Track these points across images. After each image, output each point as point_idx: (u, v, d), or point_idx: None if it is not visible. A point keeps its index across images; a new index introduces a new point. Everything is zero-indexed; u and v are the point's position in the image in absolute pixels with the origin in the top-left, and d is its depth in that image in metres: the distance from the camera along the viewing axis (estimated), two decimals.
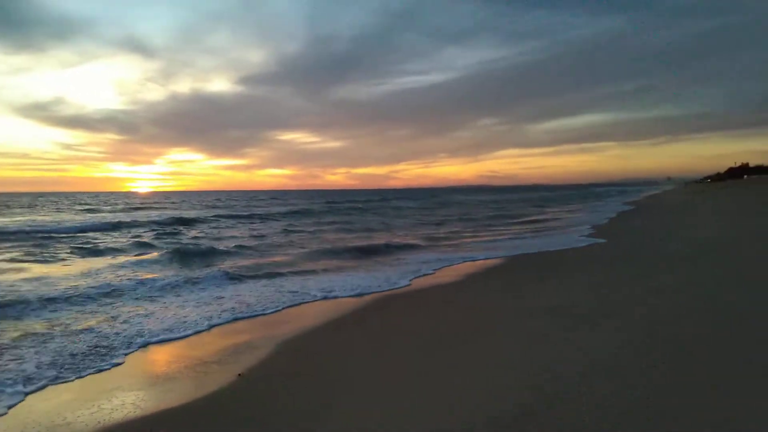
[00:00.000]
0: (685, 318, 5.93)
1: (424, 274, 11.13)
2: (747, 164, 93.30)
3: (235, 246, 16.86)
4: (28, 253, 15.13)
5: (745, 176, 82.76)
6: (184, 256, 14.34)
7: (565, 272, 10.25)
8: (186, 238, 20.83)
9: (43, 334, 6.61)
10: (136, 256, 14.96)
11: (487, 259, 13.27)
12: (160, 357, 5.90)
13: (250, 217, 34.17)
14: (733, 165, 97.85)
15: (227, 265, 12.90)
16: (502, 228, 24.81)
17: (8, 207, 50.00)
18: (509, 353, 5.22)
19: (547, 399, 3.90)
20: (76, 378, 5.13)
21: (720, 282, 7.83)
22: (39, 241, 18.50)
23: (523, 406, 3.82)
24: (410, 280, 10.38)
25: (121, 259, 14.35)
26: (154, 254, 14.71)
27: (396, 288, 9.69)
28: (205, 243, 18.27)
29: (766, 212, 18.83)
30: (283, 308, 8.23)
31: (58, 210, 44.49)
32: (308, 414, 4.05)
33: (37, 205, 54.20)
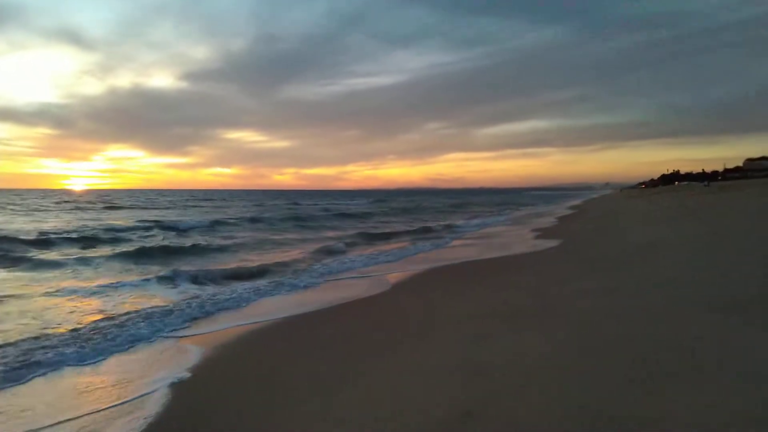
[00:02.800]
0: (621, 317, 6.14)
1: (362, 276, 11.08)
2: (678, 171, 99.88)
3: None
4: None
5: (676, 182, 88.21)
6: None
7: (507, 274, 10.47)
8: None
9: None
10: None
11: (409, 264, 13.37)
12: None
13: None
14: (665, 172, 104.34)
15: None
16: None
17: None
18: (449, 355, 5.24)
19: (490, 400, 3.93)
20: None
21: (655, 282, 8.18)
22: None
23: (464, 408, 3.82)
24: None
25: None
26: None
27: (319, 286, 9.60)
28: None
29: (695, 216, 20.04)
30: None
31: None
32: (245, 416, 3.89)
33: None
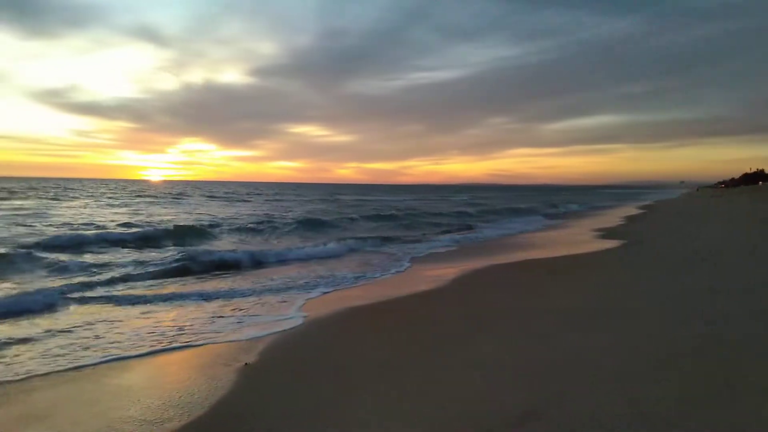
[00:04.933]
0: (694, 323, 5.90)
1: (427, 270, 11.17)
2: (762, 170, 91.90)
3: None
4: None
5: (760, 182, 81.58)
6: None
7: (574, 274, 10.23)
8: None
9: None
10: None
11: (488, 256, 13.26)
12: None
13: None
14: (747, 171, 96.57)
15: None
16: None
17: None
18: (513, 353, 5.24)
19: (552, 400, 3.93)
20: None
21: (733, 287, 7.76)
22: None
23: (527, 407, 3.85)
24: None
25: None
26: None
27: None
28: None
29: None
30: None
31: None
32: (309, 411, 4.11)
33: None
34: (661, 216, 29.56)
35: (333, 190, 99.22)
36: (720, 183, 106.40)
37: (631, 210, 38.39)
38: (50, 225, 20.34)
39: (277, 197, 60.37)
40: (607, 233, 19.29)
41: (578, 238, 18.57)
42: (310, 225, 22.87)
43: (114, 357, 5.52)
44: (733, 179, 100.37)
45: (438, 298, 8.44)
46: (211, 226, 21.07)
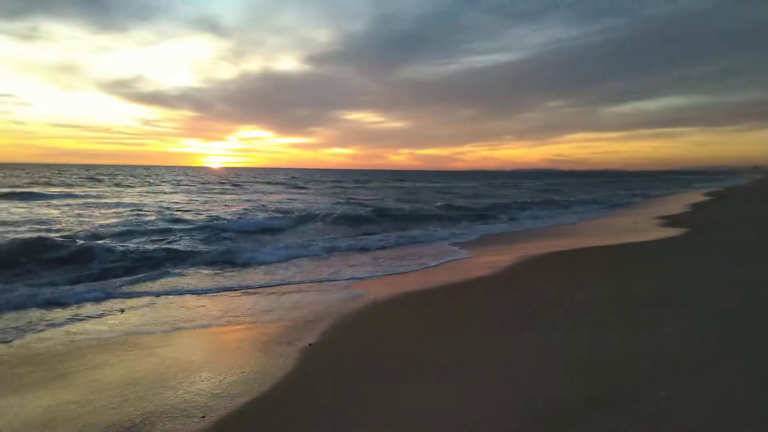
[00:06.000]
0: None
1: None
2: None
3: None
4: None
5: None
6: None
7: (637, 262, 9.87)
8: None
9: None
10: None
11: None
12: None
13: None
14: None
15: None
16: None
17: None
18: (575, 342, 5.15)
19: (617, 390, 3.87)
20: None
21: None
22: None
23: (590, 397, 3.80)
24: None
25: None
26: None
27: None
28: None
29: None
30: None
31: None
32: (368, 392, 4.23)
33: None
34: (730, 203, 27.85)
35: (389, 176, 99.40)
36: None
37: (698, 197, 36.32)
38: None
39: (342, 184, 59.34)
40: (670, 221, 18.40)
41: (640, 225, 17.81)
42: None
43: (179, 328, 5.90)
44: None
45: (495, 285, 8.38)
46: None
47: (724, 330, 5.19)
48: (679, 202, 30.28)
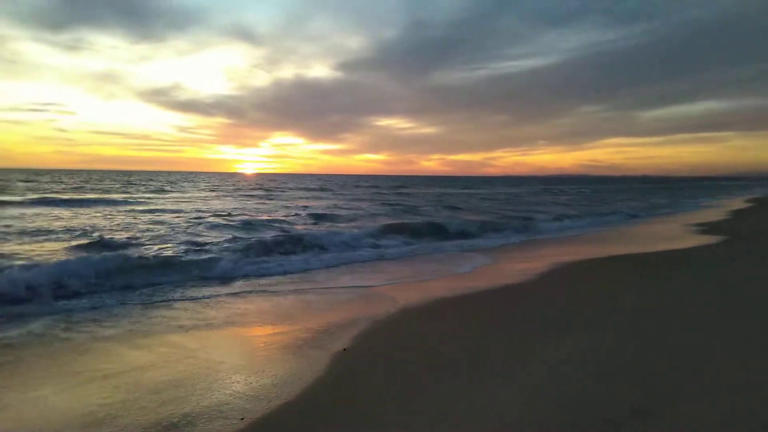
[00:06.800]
0: None
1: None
2: None
3: None
4: None
5: None
6: None
7: (672, 270, 9.63)
8: None
9: None
10: None
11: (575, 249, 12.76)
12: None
13: None
14: None
15: None
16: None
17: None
18: (616, 350, 5.06)
19: (661, 399, 3.81)
20: None
21: None
22: None
23: (633, 406, 3.74)
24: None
25: None
26: None
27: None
28: None
29: None
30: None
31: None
32: (401, 398, 4.27)
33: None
34: None
35: (420, 182, 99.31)
36: None
37: (739, 203, 35.11)
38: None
39: (381, 191, 57.88)
40: (709, 228, 17.87)
41: (677, 233, 17.35)
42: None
43: (213, 326, 6.07)
44: None
45: (526, 292, 8.31)
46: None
47: (765, 340, 5.04)
48: (719, 209, 29.32)
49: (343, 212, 25.35)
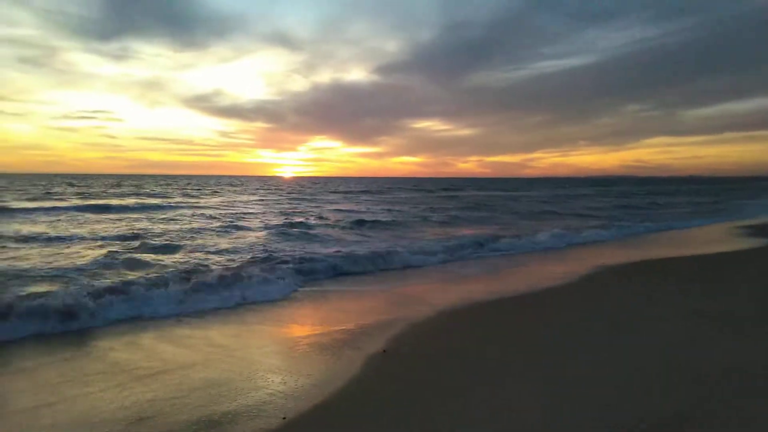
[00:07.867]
0: None
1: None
2: None
3: None
4: None
5: None
6: None
7: (719, 273, 9.30)
8: None
9: None
10: None
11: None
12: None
13: None
14: None
15: None
16: None
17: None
18: (655, 356, 4.95)
19: (700, 405, 3.73)
20: None
21: None
22: None
23: (673, 410, 3.67)
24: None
25: None
26: None
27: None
28: None
29: None
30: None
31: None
32: (436, 400, 4.30)
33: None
34: None
35: (456, 184, 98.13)
36: None
37: None
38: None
39: (427, 194, 54.91)
40: (758, 230, 17.13)
41: (725, 236, 16.71)
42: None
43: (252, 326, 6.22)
44: None
45: (566, 296, 8.18)
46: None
47: None
48: None
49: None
